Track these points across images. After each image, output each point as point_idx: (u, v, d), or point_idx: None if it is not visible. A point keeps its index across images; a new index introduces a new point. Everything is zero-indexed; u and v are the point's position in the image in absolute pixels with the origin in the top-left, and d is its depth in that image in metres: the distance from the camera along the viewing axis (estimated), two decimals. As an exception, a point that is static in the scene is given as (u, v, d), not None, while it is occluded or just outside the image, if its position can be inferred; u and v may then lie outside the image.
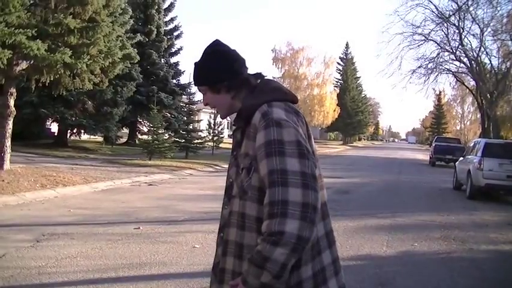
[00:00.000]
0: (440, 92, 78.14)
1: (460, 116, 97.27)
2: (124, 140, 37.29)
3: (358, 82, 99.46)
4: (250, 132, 2.34)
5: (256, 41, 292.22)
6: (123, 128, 36.66)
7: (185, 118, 33.62)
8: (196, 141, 30.88)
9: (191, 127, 32.30)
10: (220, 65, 2.48)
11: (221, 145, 35.94)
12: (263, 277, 2.12)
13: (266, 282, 2.13)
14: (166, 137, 27.61)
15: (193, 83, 2.56)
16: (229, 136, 62.29)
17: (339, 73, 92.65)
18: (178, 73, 39.62)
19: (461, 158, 21.70)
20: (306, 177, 2.16)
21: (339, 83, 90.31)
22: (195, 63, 2.51)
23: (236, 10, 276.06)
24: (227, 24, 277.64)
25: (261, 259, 2.11)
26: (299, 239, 2.09)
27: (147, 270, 6.93)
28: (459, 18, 41.39)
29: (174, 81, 38.85)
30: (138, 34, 26.77)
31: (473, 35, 42.83)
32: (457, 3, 40.19)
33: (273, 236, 2.10)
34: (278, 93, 2.47)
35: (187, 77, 62.51)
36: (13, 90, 15.92)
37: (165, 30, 38.20)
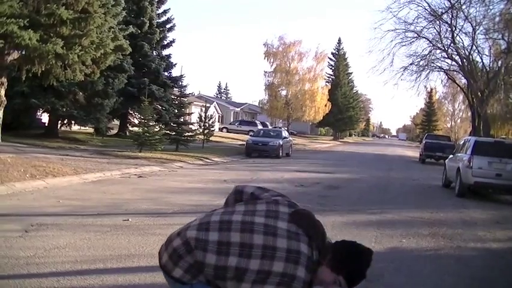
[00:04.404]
0: (431, 89, 78.52)
1: (450, 113, 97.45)
2: (115, 131, 37.13)
3: (349, 78, 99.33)
4: None
5: (248, 34, 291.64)
6: (114, 119, 36.42)
7: (176, 111, 33.56)
8: (186, 134, 30.84)
9: (182, 120, 32.25)
10: None
11: (211, 138, 35.94)
12: None
13: None
14: (157, 129, 27.52)
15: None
16: (219, 130, 62.31)
17: (331, 68, 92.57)
18: (170, 66, 39.44)
19: (451, 156, 21.76)
20: None
21: (330, 79, 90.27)
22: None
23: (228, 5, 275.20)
24: (219, 20, 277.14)
25: None
26: None
27: (136, 262, 6.94)
28: (451, 16, 41.47)
29: (166, 73, 38.68)
30: (131, 26, 26.69)
31: (465, 33, 42.98)
32: (449, 1, 40.26)
33: None
34: None
35: (178, 69, 62.53)
36: (4, 79, 15.90)
37: (157, 22, 37.99)
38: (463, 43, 43.84)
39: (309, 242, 2.88)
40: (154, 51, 37.84)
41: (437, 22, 42.61)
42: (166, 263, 2.98)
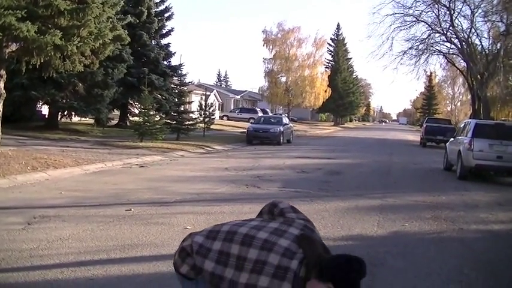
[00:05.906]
0: (431, 73, 78.39)
1: (450, 97, 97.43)
2: (115, 122, 37.10)
3: (349, 63, 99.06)
4: None
5: (247, 22, 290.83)
6: (114, 110, 36.38)
7: (176, 100, 33.59)
8: (187, 122, 30.82)
9: (182, 109, 32.25)
10: None
11: (212, 126, 35.94)
12: None
13: None
14: (157, 119, 27.56)
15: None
16: (220, 118, 62.21)
17: (330, 54, 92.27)
18: (169, 55, 39.33)
19: (451, 139, 21.73)
20: None
21: (330, 64, 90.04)
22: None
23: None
24: (217, 9, 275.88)
25: None
26: None
27: (139, 252, 6.95)
28: (450, -1, 41.37)
29: (165, 62, 38.60)
30: (129, 15, 26.62)
31: (464, 16, 42.89)
32: (448, -17, 40.16)
33: None
34: None
35: (178, 58, 62.41)
36: (3, 72, 15.84)
37: (155, 11, 37.85)
38: (461, 26, 43.84)
39: (302, 259, 2.77)
40: (153, 41, 37.79)
41: (436, 5, 42.57)
42: (176, 260, 3.16)
